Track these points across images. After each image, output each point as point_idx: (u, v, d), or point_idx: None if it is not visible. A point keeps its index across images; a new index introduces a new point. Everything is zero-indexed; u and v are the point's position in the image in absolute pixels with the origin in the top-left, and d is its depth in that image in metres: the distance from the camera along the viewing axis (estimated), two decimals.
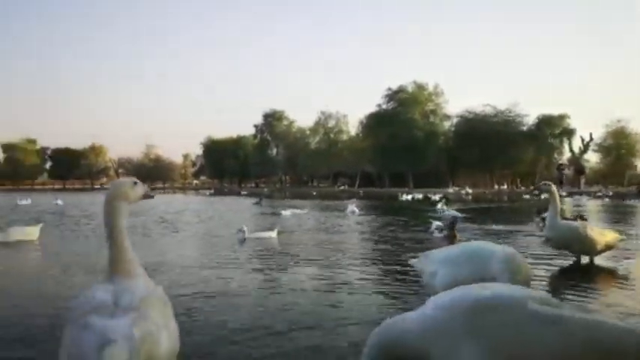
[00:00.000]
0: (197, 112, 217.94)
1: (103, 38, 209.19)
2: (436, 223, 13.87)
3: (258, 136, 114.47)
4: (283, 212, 22.59)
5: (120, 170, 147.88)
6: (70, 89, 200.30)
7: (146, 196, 3.39)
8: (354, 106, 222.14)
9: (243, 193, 74.82)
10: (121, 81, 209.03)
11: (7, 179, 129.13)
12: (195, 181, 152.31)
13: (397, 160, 77.55)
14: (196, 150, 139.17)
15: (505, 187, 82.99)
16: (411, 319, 2.60)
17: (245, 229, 12.96)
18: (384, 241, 12.75)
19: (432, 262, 4.69)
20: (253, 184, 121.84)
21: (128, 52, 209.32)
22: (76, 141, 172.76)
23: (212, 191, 78.65)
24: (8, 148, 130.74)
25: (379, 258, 10.02)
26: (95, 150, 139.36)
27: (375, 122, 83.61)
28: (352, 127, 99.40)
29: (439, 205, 25.13)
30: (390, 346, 2.57)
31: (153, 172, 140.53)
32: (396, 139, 77.46)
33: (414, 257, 5.21)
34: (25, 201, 30.72)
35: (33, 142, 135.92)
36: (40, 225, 12.39)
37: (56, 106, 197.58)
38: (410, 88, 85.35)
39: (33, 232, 11.82)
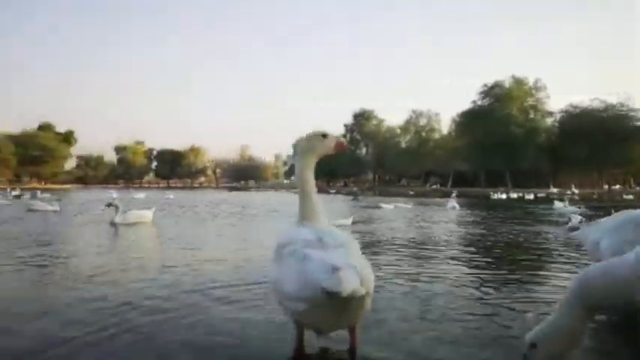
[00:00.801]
0: (288, 114, 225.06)
1: (202, 49, 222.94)
2: (576, 217, 13.10)
3: (348, 135, 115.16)
4: (384, 205, 22.48)
5: (217, 170, 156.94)
6: (174, 95, 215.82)
7: (339, 147, 3.39)
8: (445, 104, 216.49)
9: (331, 191, 75.70)
10: (218, 87, 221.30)
11: (120, 178, 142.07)
12: (285, 181, 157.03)
13: (493, 158, 74.05)
14: (288, 150, 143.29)
15: (617, 186, 75.88)
16: (617, 266, 2.45)
17: None
18: (515, 234, 11.86)
19: (595, 231, 4.58)
20: (342, 184, 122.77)
21: (222, 61, 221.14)
22: (179, 143, 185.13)
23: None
24: (120, 149, 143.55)
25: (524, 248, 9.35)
26: (195, 151, 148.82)
27: (470, 119, 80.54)
28: (444, 126, 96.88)
29: (562, 204, 23.18)
30: (594, 293, 2.41)
31: (247, 172, 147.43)
32: (492, 136, 73.97)
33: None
34: (140, 195, 33.82)
35: (141, 143, 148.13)
36: (153, 209, 13.55)
37: (162, 111, 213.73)
38: (507, 84, 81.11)
39: (148, 216, 12.94)
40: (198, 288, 5.24)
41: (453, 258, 7.67)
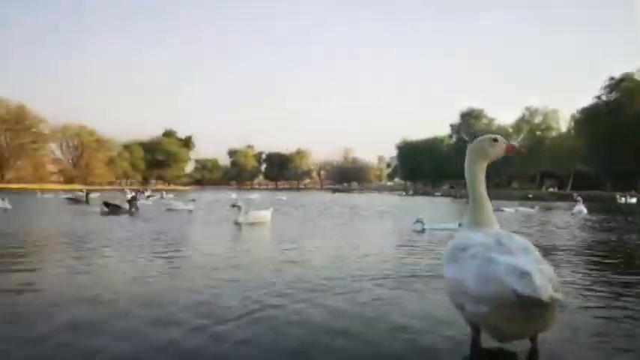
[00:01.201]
0: (392, 115, 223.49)
1: (299, 57, 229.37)
2: None
3: (455, 136, 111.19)
4: (506, 209, 21.52)
5: (321, 172, 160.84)
6: (281, 99, 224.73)
7: (509, 150, 3.43)
8: (564, 100, 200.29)
9: (436, 194, 73.74)
10: (320, 91, 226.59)
11: (233, 179, 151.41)
12: (388, 182, 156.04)
13: (622, 159, 66.77)
14: (391, 151, 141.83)
15: None
16: None
17: (423, 219, 12.83)
18: None
19: None
20: (448, 186, 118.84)
21: (320, 65, 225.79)
22: (286, 146, 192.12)
23: (410, 192, 79.28)
24: (233, 153, 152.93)
25: None
26: (300, 154, 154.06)
27: (593, 116, 73.36)
28: (563, 123, 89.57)
29: None
30: None
31: (350, 174, 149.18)
32: (621, 135, 66.70)
33: None
34: (255, 196, 35.94)
35: (251, 147, 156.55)
36: (271, 209, 14.28)
37: (270, 115, 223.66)
38: (638, 76, 72.66)
39: (267, 216, 13.67)
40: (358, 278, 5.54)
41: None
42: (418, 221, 12.70)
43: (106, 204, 16.71)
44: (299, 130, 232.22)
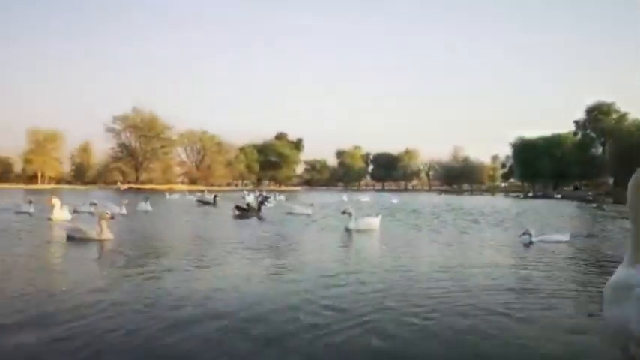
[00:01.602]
0: (505, 112, 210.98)
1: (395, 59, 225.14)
2: None
3: (580, 133, 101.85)
4: None
5: (430, 172, 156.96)
6: (387, 99, 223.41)
7: None
8: None
9: (557, 196, 67.80)
10: (429, 89, 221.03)
11: (340, 181, 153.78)
12: (503, 184, 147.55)
13: None
14: (506, 151, 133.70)
15: None
16: None
17: (532, 231, 11.83)
18: None
19: None
20: (572, 187, 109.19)
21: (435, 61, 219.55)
22: (393, 147, 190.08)
23: (529, 194, 73.40)
24: (341, 154, 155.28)
25: None
26: (409, 154, 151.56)
27: None
28: None
29: None
30: None
31: (461, 175, 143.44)
32: None
33: None
34: (365, 198, 36.03)
35: (359, 148, 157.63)
36: (380, 216, 14.21)
37: (376, 116, 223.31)
38: None
39: (376, 223, 13.63)
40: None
41: None
42: (525, 234, 11.85)
43: (238, 208, 17.78)
44: (407, 129, 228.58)
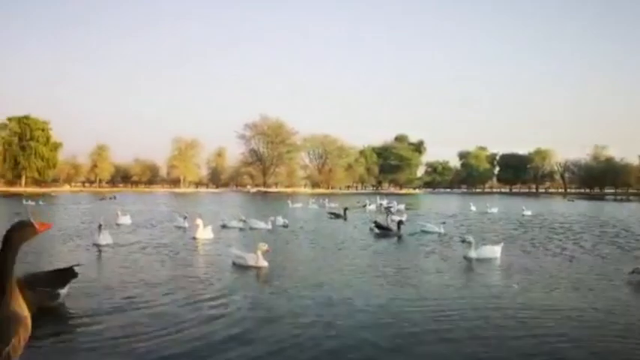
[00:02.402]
0: None
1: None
2: None
3: None
4: None
5: (565, 174, 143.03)
6: (512, 95, 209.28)
7: None
8: None
9: None
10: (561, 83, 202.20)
11: (463, 183, 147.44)
12: None
13: None
14: None
15: None
16: None
17: None
18: None
19: None
20: None
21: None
22: (523, 146, 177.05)
23: None
24: (464, 155, 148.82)
25: None
26: (541, 154, 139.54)
27: None
28: None
29: None
30: None
31: (603, 177, 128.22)
32: None
33: None
34: (493, 209, 33.25)
35: (484, 148, 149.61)
36: (502, 244, 12.42)
37: (507, 115, 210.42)
38: None
39: (497, 251, 12.08)
40: None
41: None
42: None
43: (378, 225, 17.31)
44: (535, 126, 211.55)
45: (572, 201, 67.72)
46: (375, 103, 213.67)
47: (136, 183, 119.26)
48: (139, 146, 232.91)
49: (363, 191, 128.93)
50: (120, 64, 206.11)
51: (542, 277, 9.47)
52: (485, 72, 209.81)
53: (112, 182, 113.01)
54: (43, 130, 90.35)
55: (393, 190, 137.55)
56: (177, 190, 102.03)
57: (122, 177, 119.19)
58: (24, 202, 38.36)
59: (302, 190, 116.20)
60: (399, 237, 16.25)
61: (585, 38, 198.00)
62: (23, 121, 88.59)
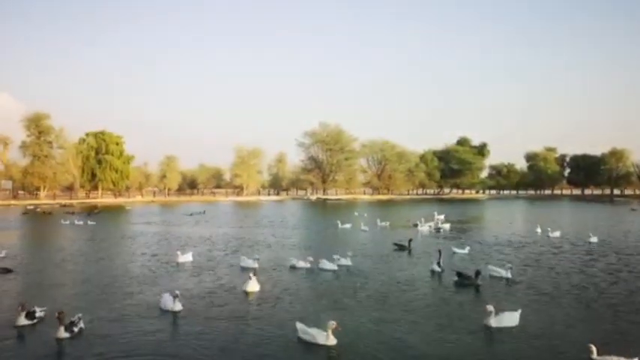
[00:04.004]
0: None
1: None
2: None
3: None
4: None
5: None
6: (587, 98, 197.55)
7: None
8: None
9: None
10: None
11: (530, 186, 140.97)
12: None
13: None
14: None
15: None
16: None
17: None
18: None
19: None
20: None
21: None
22: (595, 147, 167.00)
23: None
24: (531, 157, 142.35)
25: None
26: (616, 155, 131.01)
27: None
28: None
29: None
30: None
31: None
32: None
33: None
34: (556, 233, 29.44)
35: (553, 150, 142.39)
36: (519, 311, 11.30)
37: (575, 115, 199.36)
38: None
39: (515, 318, 11.06)
40: None
41: None
42: None
43: (460, 274, 16.24)
44: (610, 127, 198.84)
45: (635, 210, 61.41)
46: (438, 107, 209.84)
47: (202, 190, 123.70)
48: (202, 151, 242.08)
49: (424, 196, 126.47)
50: (184, 71, 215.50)
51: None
52: (551, 73, 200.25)
53: (180, 190, 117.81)
54: (117, 144, 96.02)
55: (455, 194, 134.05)
56: (240, 198, 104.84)
57: (189, 184, 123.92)
58: (65, 221, 40.18)
59: (362, 196, 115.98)
60: (477, 287, 15.27)
61: None
62: (99, 136, 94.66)
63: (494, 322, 10.96)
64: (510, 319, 11.15)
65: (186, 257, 20.11)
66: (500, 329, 10.79)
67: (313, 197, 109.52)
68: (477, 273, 15.79)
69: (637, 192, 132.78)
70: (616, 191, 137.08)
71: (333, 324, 9.71)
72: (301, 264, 18.73)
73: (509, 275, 16.52)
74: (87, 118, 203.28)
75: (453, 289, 15.25)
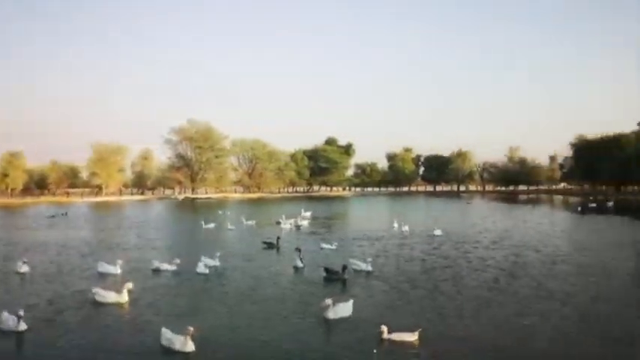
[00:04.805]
0: (565, 112, 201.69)
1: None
2: None
3: None
4: None
5: (484, 174, 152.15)
6: (436, 100, 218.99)
7: None
8: None
9: (609, 204, 61.39)
10: (485, 88, 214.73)
11: (390, 183, 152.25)
12: (562, 184, 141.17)
13: None
14: (565, 151, 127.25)
15: None
16: None
17: None
18: None
19: None
20: (637, 189, 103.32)
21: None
22: (446, 148, 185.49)
23: (590, 204, 60.52)
24: (391, 157, 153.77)
25: None
26: (461, 156, 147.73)
27: None
28: None
29: None
30: None
31: (517, 176, 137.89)
32: None
33: None
34: (405, 227, 31.97)
35: (410, 150, 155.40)
36: (351, 301, 11.97)
37: (427, 117, 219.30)
38: None
39: (349, 308, 11.68)
40: None
41: None
42: None
43: (326, 269, 16.64)
44: (459, 131, 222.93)
45: (470, 203, 73.59)
46: (308, 108, 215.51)
47: (53, 190, 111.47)
48: (53, 149, 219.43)
49: (295, 194, 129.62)
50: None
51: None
52: (415, 77, 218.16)
53: (26, 190, 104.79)
54: None
55: (323, 192, 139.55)
56: (98, 199, 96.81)
57: (36, 183, 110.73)
58: None
59: (232, 195, 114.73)
60: (344, 281, 15.92)
61: (502, 45, 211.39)
62: None
63: (331, 314, 11.56)
64: (344, 309, 11.85)
65: (25, 267, 17.39)
66: (337, 320, 11.43)
67: (181, 196, 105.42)
68: (344, 267, 16.50)
69: (479, 188, 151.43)
70: (462, 188, 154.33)
71: (190, 329, 9.48)
72: (165, 266, 18.03)
73: (369, 268, 17.63)
74: None
75: (320, 284, 15.73)
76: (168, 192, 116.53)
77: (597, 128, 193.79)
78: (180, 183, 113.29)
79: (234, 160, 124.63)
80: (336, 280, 16.17)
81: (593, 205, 60.36)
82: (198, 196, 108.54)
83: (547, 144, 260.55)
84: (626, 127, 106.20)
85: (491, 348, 9.71)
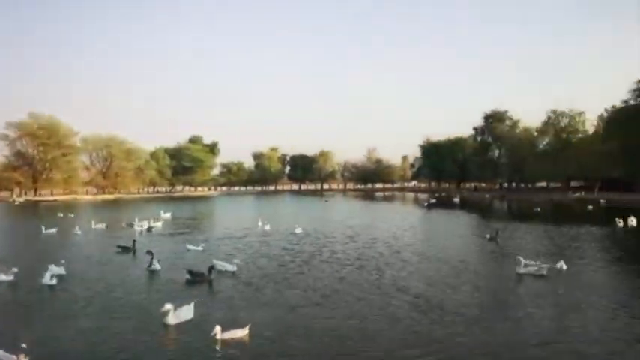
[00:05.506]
0: (416, 114, 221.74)
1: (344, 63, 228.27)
2: None
3: (478, 138, 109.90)
4: None
5: (345, 174, 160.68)
6: (303, 100, 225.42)
7: None
8: (589, 103, 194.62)
9: (455, 200, 71.79)
10: (340, 92, 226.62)
11: (257, 182, 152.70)
12: (412, 183, 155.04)
13: None
14: (416, 152, 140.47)
15: None
16: None
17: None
18: None
19: None
20: (473, 188, 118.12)
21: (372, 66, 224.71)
22: (310, 147, 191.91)
23: (434, 200, 71.77)
24: (257, 156, 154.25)
25: None
26: (324, 155, 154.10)
27: (623, 119, 71.30)
28: (591, 127, 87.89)
29: None
30: None
31: (374, 175, 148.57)
32: None
33: None
34: (266, 226, 32.82)
35: (275, 150, 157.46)
36: (193, 303, 11.74)
37: (293, 117, 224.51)
38: None
39: (190, 311, 11.44)
40: None
41: None
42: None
43: (191, 272, 16.08)
44: (321, 131, 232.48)
45: (327, 201, 78.66)
46: (171, 105, 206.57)
47: None
48: None
49: (155, 194, 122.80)
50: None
51: None
52: (280, 78, 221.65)
53: None
54: None
55: (187, 192, 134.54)
56: None
57: None
58: None
59: (84, 196, 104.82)
60: (210, 282, 15.63)
61: (349, 50, 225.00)
62: None
63: (172, 319, 11.13)
64: (186, 313, 11.50)
65: None
66: (178, 324, 11.21)
67: (20, 199, 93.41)
68: (210, 269, 16.20)
69: (340, 187, 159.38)
70: (326, 186, 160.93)
71: (24, 348, 8.69)
72: (2, 277, 16.17)
73: (234, 269, 17.62)
74: None
75: (181, 288, 15.29)
76: (5, 194, 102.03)
77: (444, 130, 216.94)
78: (19, 184, 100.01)
79: (85, 158, 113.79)
80: (200, 282, 15.86)
81: (434, 201, 69.33)
82: (43, 198, 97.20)
83: (402, 145, 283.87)
84: (466, 131, 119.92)
85: (320, 332, 10.70)
